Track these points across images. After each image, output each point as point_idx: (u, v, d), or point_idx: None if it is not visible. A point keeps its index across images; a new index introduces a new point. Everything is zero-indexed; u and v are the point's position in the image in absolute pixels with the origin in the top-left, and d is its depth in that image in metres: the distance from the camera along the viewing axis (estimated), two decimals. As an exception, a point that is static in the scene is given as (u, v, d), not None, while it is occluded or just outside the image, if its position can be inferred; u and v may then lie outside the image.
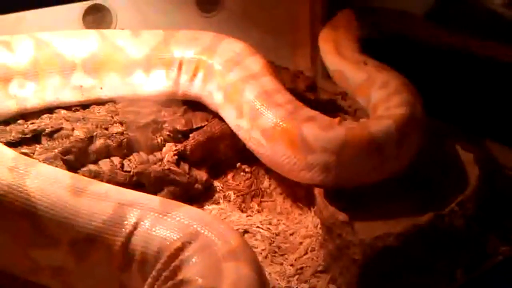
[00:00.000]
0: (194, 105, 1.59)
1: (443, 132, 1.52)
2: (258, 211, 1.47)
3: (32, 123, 1.41)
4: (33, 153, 1.34)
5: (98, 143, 1.42)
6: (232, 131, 1.53)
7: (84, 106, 1.54)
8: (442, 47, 1.78)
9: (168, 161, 1.46)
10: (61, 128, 1.41)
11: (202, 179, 1.50)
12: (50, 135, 1.39)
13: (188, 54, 1.56)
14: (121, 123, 1.47)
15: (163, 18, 1.80)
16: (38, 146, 1.37)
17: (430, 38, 1.82)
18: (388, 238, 1.09)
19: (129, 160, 1.44)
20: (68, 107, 1.52)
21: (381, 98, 1.47)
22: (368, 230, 1.19)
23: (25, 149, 1.34)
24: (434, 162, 1.43)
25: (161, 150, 1.48)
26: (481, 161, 1.27)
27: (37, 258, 1.12)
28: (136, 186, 1.39)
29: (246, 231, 1.38)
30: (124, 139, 1.44)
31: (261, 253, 1.31)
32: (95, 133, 1.42)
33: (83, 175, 1.35)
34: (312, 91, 1.74)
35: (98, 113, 1.50)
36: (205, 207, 1.48)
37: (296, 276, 1.23)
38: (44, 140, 1.38)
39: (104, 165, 1.41)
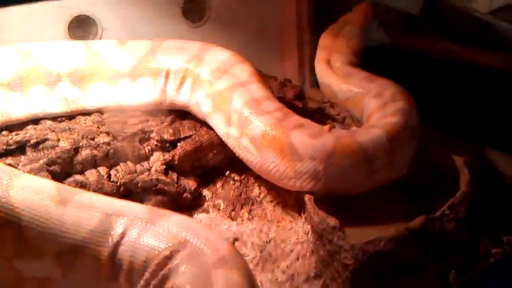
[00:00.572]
0: (182, 114, 1.58)
1: (433, 138, 1.52)
2: (249, 219, 1.46)
3: (17, 134, 1.40)
4: (18, 164, 1.32)
5: (84, 153, 1.40)
6: (220, 139, 1.52)
7: (70, 117, 1.52)
8: (425, 54, 1.80)
9: (156, 170, 1.45)
10: (46, 139, 1.40)
11: (191, 188, 1.48)
12: (35, 146, 1.38)
13: (175, 63, 1.55)
14: (108, 133, 1.45)
15: (149, 28, 1.79)
16: (23, 157, 1.35)
17: (411, 45, 1.84)
18: (379, 243, 1.08)
19: (116, 170, 1.42)
20: (54, 118, 1.50)
21: (376, 106, 1.46)
22: (359, 235, 1.17)
23: (10, 160, 1.33)
24: (426, 168, 1.42)
25: (148, 159, 1.47)
26: (471, 165, 1.26)
27: (22, 270, 1.09)
28: (123, 196, 1.37)
29: (236, 239, 1.37)
30: (110, 149, 1.43)
31: (252, 261, 1.29)
32: (81, 144, 1.41)
33: (69, 185, 1.33)
34: (300, 100, 1.74)
35: (84, 123, 1.48)
36: (194, 216, 1.46)
37: (288, 283, 1.21)
38: (29, 151, 1.37)
39: (91, 175, 1.39)
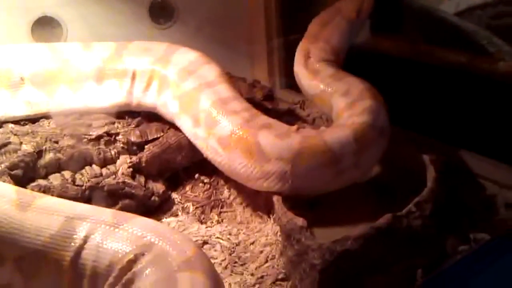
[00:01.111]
0: (149, 116, 1.55)
1: (401, 137, 1.53)
2: (218, 222, 1.44)
3: (-22, 138, 1.36)
4: (-22, 169, 1.28)
5: (48, 157, 1.37)
6: (189, 141, 1.50)
7: (34, 120, 1.49)
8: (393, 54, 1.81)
9: (123, 174, 1.42)
10: (9, 143, 1.37)
11: (159, 192, 1.46)
12: (-3, 150, 1.34)
13: (142, 64, 1.53)
14: (72, 136, 1.42)
15: (115, 30, 1.76)
16: (-16, 161, 1.31)
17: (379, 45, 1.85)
18: (346, 242, 1.07)
19: (81, 174, 1.39)
20: (16, 122, 1.46)
21: (344, 105, 1.43)
22: (327, 234, 1.17)
23: (-30, 165, 1.29)
24: (394, 166, 1.43)
25: (115, 163, 1.44)
26: (438, 163, 1.26)
27: (-20, 277, 1.06)
28: (89, 201, 1.34)
29: (205, 242, 1.35)
30: (75, 152, 1.40)
31: (221, 264, 1.27)
32: (44, 147, 1.37)
33: (32, 190, 1.29)
34: (270, 100, 1.73)
35: (48, 126, 1.45)
36: (162, 220, 1.44)
37: (257, 286, 1.19)
38: (-10, 155, 1.33)
39: (55, 179, 1.36)
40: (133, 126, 1.50)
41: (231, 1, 1.99)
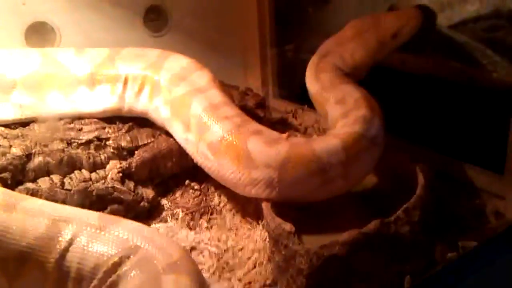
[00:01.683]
0: (140, 121, 1.55)
1: (391, 144, 1.52)
2: (207, 228, 1.43)
3: (-33, 141, 1.35)
4: (-34, 171, 1.27)
5: (37, 160, 1.36)
6: (180, 147, 1.49)
7: (25, 124, 1.48)
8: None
9: (112, 178, 1.41)
10: (-2, 146, 1.36)
11: (148, 197, 1.45)
12: (-15, 152, 1.33)
13: (134, 70, 1.53)
14: (62, 140, 1.42)
15: (109, 37, 1.77)
16: (-28, 163, 1.30)
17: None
18: (334, 247, 1.07)
19: (70, 178, 1.38)
20: (7, 125, 1.46)
21: (339, 114, 1.39)
22: (314, 240, 1.16)
23: (-42, 167, 1.28)
24: (384, 174, 1.42)
25: (104, 167, 1.43)
26: (427, 171, 1.26)
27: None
28: (77, 205, 1.33)
29: (193, 248, 1.34)
30: (64, 156, 1.39)
31: (209, 270, 1.26)
32: (33, 151, 1.37)
33: (20, 193, 1.28)
34: (262, 108, 1.73)
35: (38, 130, 1.44)
36: (151, 226, 1.43)
37: (244, 292, 1.18)
38: (-21, 158, 1.32)
39: (43, 183, 1.35)
40: (124, 131, 1.50)
41: (226, 10, 2.00)
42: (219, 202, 1.51)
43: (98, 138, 1.45)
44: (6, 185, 1.30)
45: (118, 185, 1.41)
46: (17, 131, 1.43)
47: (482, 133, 1.47)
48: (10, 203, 1.09)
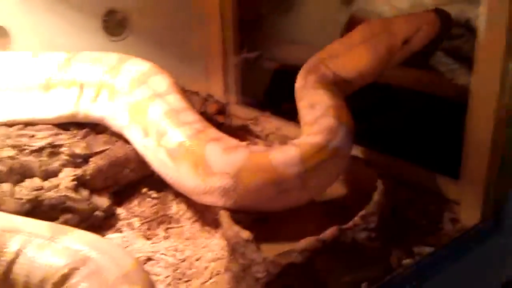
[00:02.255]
0: (96, 127, 1.51)
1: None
2: (165, 238, 1.39)
3: None
4: None
5: (-14, 168, 1.31)
6: (137, 154, 1.46)
7: (-26, 130, 1.42)
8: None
9: (66, 187, 1.36)
10: None
11: (103, 206, 1.41)
12: None
13: (91, 74, 1.49)
14: (13, 147, 1.36)
15: (66, 41, 1.72)
16: None
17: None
18: (291, 255, 1.05)
19: (21, 186, 1.33)
20: (-45, 132, 1.40)
21: (309, 120, 1.33)
22: (273, 248, 1.14)
23: None
24: (346, 183, 1.42)
25: (58, 175, 1.38)
26: (384, 177, 1.26)
27: None
28: (28, 214, 1.27)
29: (149, 259, 1.30)
30: (15, 163, 1.34)
31: (165, 281, 1.23)
32: (-18, 158, 1.31)
33: (-34, 203, 1.23)
34: (222, 115, 1.71)
35: (-12, 136, 1.38)
36: (106, 236, 1.38)
37: (200, 302, 1.15)
38: None
39: (-8, 191, 1.29)
40: (79, 137, 1.45)
41: (187, 16, 1.98)
42: (178, 211, 1.48)
43: (52, 145, 1.40)
44: (-49, 194, 1.24)
45: (71, 194, 1.36)
46: (-34, 138, 1.37)
47: (439, 139, 1.49)
48: (-48, 213, 1.04)
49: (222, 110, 1.71)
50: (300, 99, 1.39)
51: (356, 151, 1.49)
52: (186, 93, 1.63)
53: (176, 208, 1.48)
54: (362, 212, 1.13)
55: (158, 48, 1.90)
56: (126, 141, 1.47)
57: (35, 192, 1.33)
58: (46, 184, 1.36)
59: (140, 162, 1.46)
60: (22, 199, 1.31)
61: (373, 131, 1.62)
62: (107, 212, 1.42)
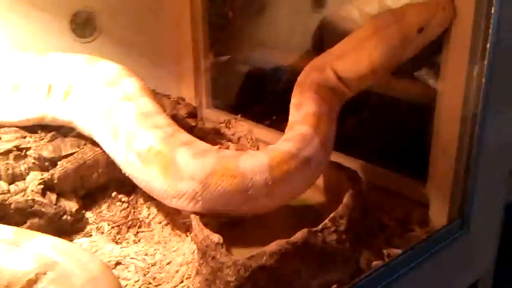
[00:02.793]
0: (64, 130, 1.48)
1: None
2: (135, 242, 1.38)
3: None
4: None
5: None
6: (107, 158, 1.44)
7: None
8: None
9: (33, 191, 1.34)
10: None
11: (71, 210, 1.38)
12: None
13: (59, 76, 1.47)
14: (-23, 150, 1.33)
15: (34, 42, 1.68)
16: None
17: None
18: (261, 257, 1.05)
19: (-14, 190, 1.30)
20: None
21: (290, 122, 1.31)
22: (244, 251, 1.14)
23: None
24: (315, 185, 1.42)
25: (24, 179, 1.36)
26: (354, 180, 1.27)
27: None
28: (-7, 219, 1.25)
29: (118, 263, 1.28)
30: (-21, 167, 1.31)
31: (134, 285, 1.21)
32: None
33: None
34: (193, 118, 1.70)
35: (-49, 139, 1.35)
36: (75, 241, 1.36)
37: (171, 307, 1.14)
38: None
39: (-45, 196, 1.26)
40: (47, 140, 1.43)
41: (158, 18, 1.96)
42: (148, 215, 1.46)
43: (18, 148, 1.37)
44: None
45: (38, 198, 1.33)
46: None
47: (407, 142, 1.51)
48: None
49: (193, 113, 1.70)
50: (293, 95, 1.35)
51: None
52: (157, 96, 1.62)
53: (146, 211, 1.47)
54: (332, 215, 1.13)
55: (128, 50, 1.88)
56: (95, 144, 1.45)
57: (1, 196, 1.30)
58: (13, 187, 1.33)
59: (109, 165, 1.44)
60: (-14, 203, 1.28)
61: (345, 135, 1.63)
62: (76, 216, 1.39)
